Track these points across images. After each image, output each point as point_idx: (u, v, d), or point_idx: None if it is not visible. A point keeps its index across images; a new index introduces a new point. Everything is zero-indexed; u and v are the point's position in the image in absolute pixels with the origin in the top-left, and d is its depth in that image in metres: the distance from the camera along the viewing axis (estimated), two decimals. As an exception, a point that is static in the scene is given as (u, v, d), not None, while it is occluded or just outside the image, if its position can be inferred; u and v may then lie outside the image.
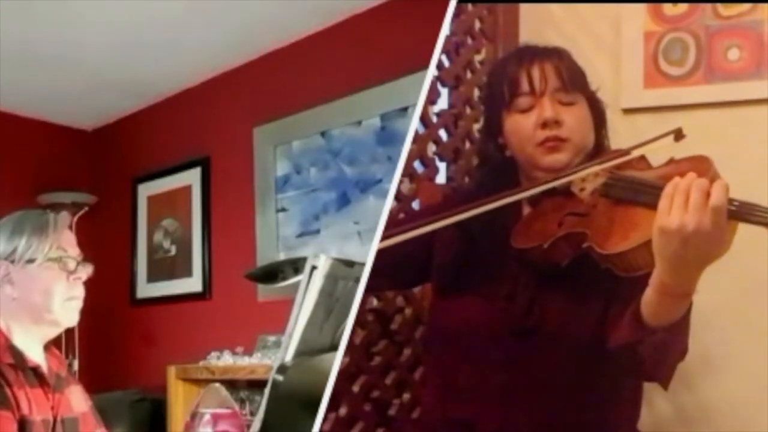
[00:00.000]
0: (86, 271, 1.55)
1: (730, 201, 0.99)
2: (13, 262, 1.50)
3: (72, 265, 1.53)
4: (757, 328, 1.66)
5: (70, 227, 1.59)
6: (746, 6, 1.75)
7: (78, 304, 1.55)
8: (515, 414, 1.24)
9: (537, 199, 1.27)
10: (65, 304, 1.53)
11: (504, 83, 1.32)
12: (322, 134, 3.27)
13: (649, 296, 1.05)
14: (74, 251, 1.55)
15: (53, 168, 4.23)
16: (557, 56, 1.32)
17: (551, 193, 1.24)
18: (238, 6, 3.04)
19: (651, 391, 1.74)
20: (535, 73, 1.29)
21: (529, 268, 1.24)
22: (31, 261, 1.50)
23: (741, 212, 0.99)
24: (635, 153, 1.23)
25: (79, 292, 1.55)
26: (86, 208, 4.09)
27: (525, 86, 1.29)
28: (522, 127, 1.29)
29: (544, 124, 1.27)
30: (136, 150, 4.25)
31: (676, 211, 0.98)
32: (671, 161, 1.20)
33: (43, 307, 1.50)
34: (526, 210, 1.32)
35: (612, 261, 1.11)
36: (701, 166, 1.09)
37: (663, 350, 1.10)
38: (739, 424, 1.66)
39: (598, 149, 1.31)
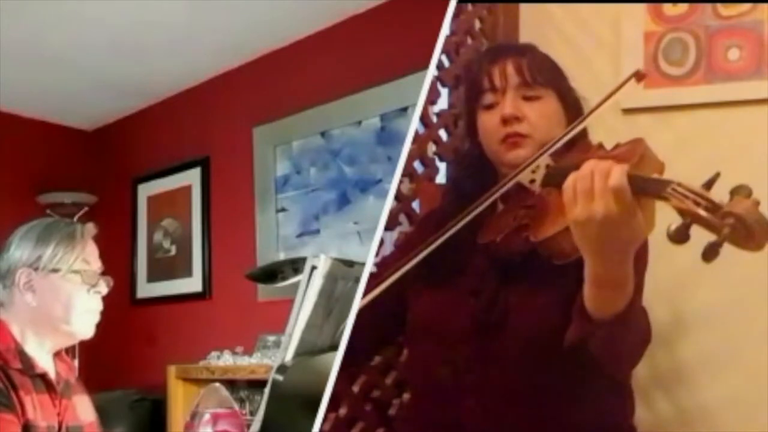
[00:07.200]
0: (107, 285, 1.55)
1: (638, 178, 0.96)
2: (36, 269, 1.49)
3: (94, 279, 1.53)
4: (758, 328, 1.66)
5: (94, 239, 1.58)
6: (746, 6, 1.75)
7: (95, 318, 1.55)
8: (495, 413, 1.23)
9: (506, 195, 1.28)
10: (83, 316, 1.53)
11: (471, 82, 1.36)
12: (322, 134, 3.27)
13: (586, 289, 1.05)
14: (96, 264, 1.55)
15: (53, 168, 4.23)
16: (520, 53, 1.34)
17: (516, 188, 1.24)
18: (238, 6, 3.04)
19: (651, 391, 1.75)
20: (497, 70, 1.31)
21: (493, 264, 1.25)
22: (55, 271, 1.49)
23: (647, 188, 0.95)
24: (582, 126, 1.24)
25: (98, 305, 1.55)
26: (86, 208, 4.09)
27: (487, 84, 1.32)
28: (487, 124, 1.32)
29: (504, 121, 1.29)
30: (136, 150, 4.25)
31: (580, 199, 0.98)
32: (615, 147, 1.18)
33: (62, 318, 1.51)
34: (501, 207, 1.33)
35: (545, 249, 1.10)
36: (633, 149, 1.08)
37: (613, 343, 1.08)
38: (740, 424, 1.66)
39: (572, 142, 1.28)
